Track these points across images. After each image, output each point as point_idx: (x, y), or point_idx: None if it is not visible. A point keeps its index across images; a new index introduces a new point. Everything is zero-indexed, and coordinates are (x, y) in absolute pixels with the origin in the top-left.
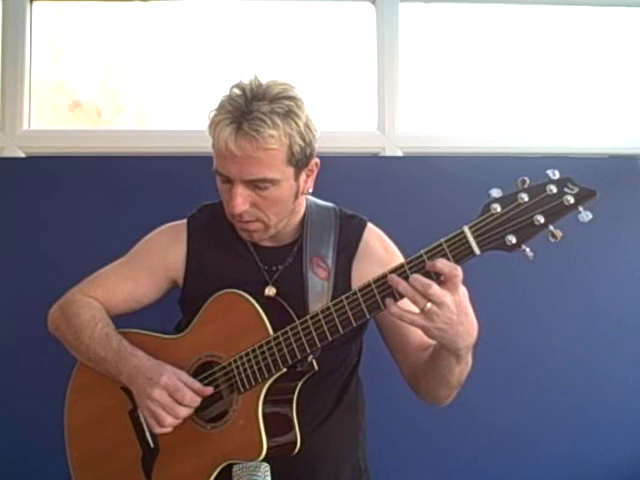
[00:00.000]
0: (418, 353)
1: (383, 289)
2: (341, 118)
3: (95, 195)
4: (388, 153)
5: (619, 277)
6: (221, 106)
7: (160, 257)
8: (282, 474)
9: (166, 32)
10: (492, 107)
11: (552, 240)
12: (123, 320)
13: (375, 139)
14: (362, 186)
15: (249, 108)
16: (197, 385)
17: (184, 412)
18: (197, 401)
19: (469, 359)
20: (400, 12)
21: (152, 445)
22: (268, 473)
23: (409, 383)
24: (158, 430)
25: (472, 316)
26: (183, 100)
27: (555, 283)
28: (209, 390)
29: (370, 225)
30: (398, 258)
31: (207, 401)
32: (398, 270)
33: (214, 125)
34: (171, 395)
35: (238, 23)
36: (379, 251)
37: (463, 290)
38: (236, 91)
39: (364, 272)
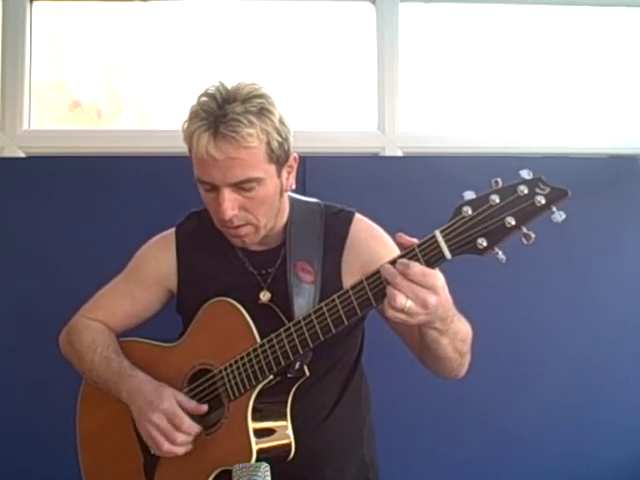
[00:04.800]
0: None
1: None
2: (341, 118)
3: (95, 195)
4: (388, 153)
5: (619, 277)
6: (194, 115)
7: (152, 269)
8: (287, 472)
9: (166, 32)
10: (492, 107)
11: (525, 242)
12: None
13: (375, 139)
14: (362, 186)
15: (222, 111)
16: (192, 405)
17: (181, 438)
18: (195, 429)
19: (455, 328)
20: (400, 12)
21: (152, 452)
22: (268, 473)
23: (421, 363)
24: (158, 453)
25: (446, 296)
26: (183, 100)
27: (556, 283)
28: (204, 408)
29: (358, 217)
30: (386, 244)
31: (208, 408)
32: (375, 275)
33: (190, 135)
34: (170, 421)
35: (238, 23)
36: (366, 240)
37: (441, 281)
38: (206, 99)
39: (353, 266)
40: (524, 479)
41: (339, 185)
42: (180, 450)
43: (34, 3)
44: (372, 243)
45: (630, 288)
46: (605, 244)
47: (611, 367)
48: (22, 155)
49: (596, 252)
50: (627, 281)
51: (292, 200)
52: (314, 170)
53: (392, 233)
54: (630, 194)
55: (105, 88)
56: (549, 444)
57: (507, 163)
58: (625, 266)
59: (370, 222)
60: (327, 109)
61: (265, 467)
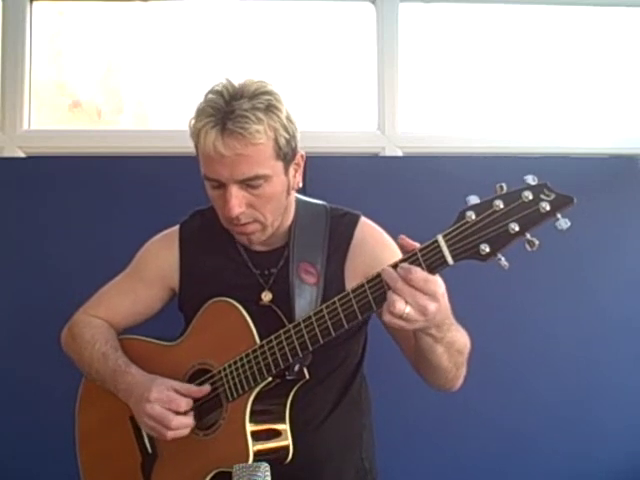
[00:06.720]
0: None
1: (360, 298)
2: (341, 118)
3: (95, 195)
4: (388, 153)
5: (619, 277)
6: (201, 112)
7: (155, 267)
8: (285, 474)
9: (166, 32)
10: (492, 107)
11: (529, 249)
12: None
13: (375, 139)
14: (362, 186)
15: (230, 108)
16: (193, 388)
17: (177, 421)
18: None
19: (451, 337)
20: (400, 12)
21: (150, 451)
22: (268, 473)
23: (416, 372)
24: (170, 436)
25: (445, 304)
26: (183, 100)
27: (556, 283)
28: (206, 389)
29: (363, 220)
30: (390, 249)
31: (207, 409)
32: (376, 279)
33: (197, 132)
34: (166, 407)
35: (238, 23)
36: (370, 245)
37: (442, 288)
38: (213, 96)
39: (356, 270)
40: None
41: (339, 185)
42: (185, 431)
43: (34, 3)
44: (376, 247)
45: (630, 288)
46: (605, 244)
47: (611, 367)
48: (22, 155)
49: (596, 252)
50: (627, 281)
51: (297, 201)
52: (314, 170)
53: (392, 233)
54: (630, 194)
55: (105, 88)
56: (549, 444)
57: (507, 163)
58: (625, 266)
59: (375, 226)
60: (327, 109)
61: (265, 467)
